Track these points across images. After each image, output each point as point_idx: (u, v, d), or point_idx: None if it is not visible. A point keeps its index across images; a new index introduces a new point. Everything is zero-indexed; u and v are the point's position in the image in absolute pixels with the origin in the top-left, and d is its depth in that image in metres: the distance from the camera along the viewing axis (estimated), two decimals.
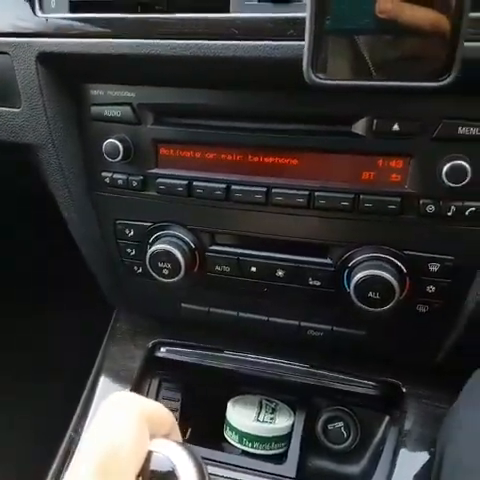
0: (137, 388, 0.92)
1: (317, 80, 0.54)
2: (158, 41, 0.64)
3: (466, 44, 0.51)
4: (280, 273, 0.76)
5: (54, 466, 0.89)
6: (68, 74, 0.74)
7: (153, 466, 0.43)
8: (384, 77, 0.54)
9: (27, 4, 0.70)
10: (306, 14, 0.51)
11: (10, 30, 0.71)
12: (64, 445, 0.90)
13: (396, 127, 0.62)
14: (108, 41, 0.67)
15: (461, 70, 0.50)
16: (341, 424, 0.87)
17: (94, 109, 0.75)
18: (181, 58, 0.64)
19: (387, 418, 0.86)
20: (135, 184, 0.76)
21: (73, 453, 0.87)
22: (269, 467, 0.81)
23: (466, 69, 0.50)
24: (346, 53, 0.54)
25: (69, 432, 0.90)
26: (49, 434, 0.94)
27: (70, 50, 0.69)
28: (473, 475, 0.50)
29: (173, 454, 0.43)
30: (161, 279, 0.78)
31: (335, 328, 0.80)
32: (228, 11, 0.62)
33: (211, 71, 0.66)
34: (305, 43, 0.52)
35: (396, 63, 0.54)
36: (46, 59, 0.71)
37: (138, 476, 0.40)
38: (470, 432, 0.55)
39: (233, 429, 0.86)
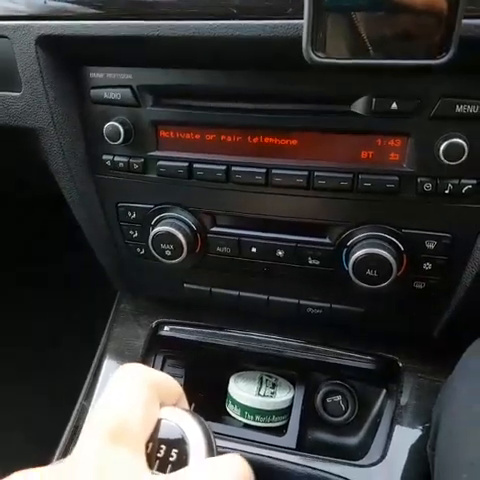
0: None
1: (317, 59, 0.54)
2: (156, 22, 0.64)
3: (464, 21, 0.51)
4: (280, 253, 0.78)
5: (63, 438, 0.92)
6: (68, 57, 0.74)
7: (162, 433, 0.44)
8: (383, 55, 0.54)
9: None
10: None
11: (9, 13, 0.71)
12: (71, 421, 0.93)
13: (394, 106, 0.63)
14: (106, 23, 0.67)
15: (459, 48, 0.51)
16: (339, 398, 0.90)
17: (94, 92, 0.75)
18: (180, 39, 0.64)
19: (384, 392, 0.89)
20: (136, 167, 0.77)
21: (81, 427, 0.90)
22: (270, 439, 0.84)
23: (464, 47, 0.51)
24: (345, 31, 0.54)
25: (73, 415, 0.93)
26: (58, 409, 0.97)
27: (69, 32, 0.69)
28: (467, 441, 0.53)
29: (182, 422, 0.45)
30: (164, 260, 0.80)
31: (334, 306, 0.82)
32: None
33: (210, 51, 0.66)
34: (304, 21, 0.53)
35: (394, 41, 0.54)
36: (45, 42, 0.71)
37: (148, 443, 0.42)
38: (464, 402, 0.58)
39: (235, 403, 0.89)
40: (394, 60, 0.54)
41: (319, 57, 0.54)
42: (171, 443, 0.45)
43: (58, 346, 1.15)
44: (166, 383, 0.44)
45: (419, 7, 0.52)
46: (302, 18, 0.52)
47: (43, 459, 0.96)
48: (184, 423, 0.45)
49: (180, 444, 0.45)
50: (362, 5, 0.53)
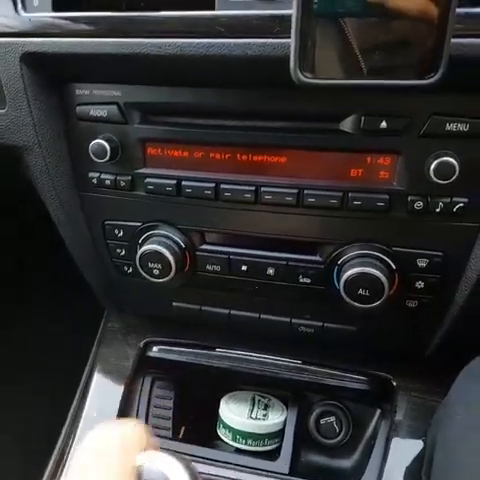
0: (130, 387, 0.92)
1: (305, 79, 0.53)
2: (143, 40, 0.63)
3: (453, 40, 0.51)
4: (271, 271, 0.77)
5: (47, 470, 0.89)
6: (53, 74, 0.73)
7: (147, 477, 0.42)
8: (371, 76, 0.54)
9: (10, 3, 0.68)
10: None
11: None
12: (56, 452, 0.90)
13: (384, 124, 0.62)
14: (92, 40, 0.66)
15: (448, 67, 0.50)
16: (333, 419, 0.88)
17: (80, 109, 0.74)
18: (166, 57, 0.63)
19: (378, 412, 0.87)
20: (123, 184, 0.76)
21: (67, 457, 0.87)
22: (263, 464, 0.82)
23: (453, 66, 0.50)
24: (333, 52, 0.54)
25: (61, 438, 0.90)
26: (42, 436, 0.94)
27: (54, 50, 0.67)
28: (462, 474, 0.51)
29: (167, 467, 0.43)
30: (152, 279, 0.78)
31: (326, 324, 0.80)
32: (213, 8, 0.61)
33: (197, 69, 0.65)
34: (291, 41, 0.52)
35: (383, 62, 0.54)
36: (30, 59, 0.70)
37: None
38: (458, 431, 0.56)
39: (226, 427, 0.87)
40: (383, 81, 0.53)
41: (307, 77, 0.53)
42: None
43: (42, 368, 1.12)
44: (138, 440, 0.43)
45: (407, 28, 0.52)
46: (290, 37, 0.52)
47: None
48: (169, 469, 0.43)
49: None
50: (352, 16, 0.52)
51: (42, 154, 0.76)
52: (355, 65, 0.55)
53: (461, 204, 0.64)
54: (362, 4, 0.51)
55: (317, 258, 0.74)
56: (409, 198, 0.66)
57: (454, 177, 0.60)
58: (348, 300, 0.70)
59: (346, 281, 0.69)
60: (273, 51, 0.59)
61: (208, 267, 0.79)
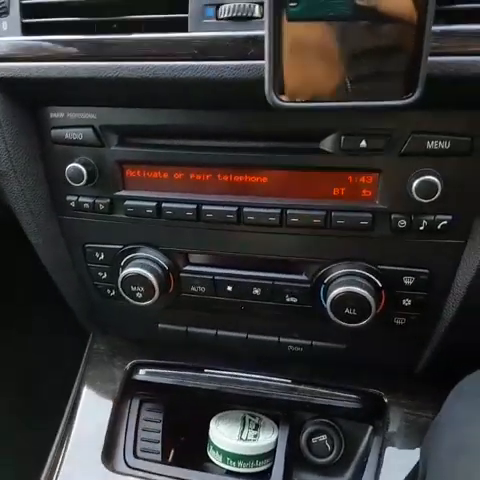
0: (117, 411, 0.90)
1: (280, 103, 0.52)
2: (115, 63, 0.62)
3: (430, 59, 0.50)
4: (256, 291, 0.75)
5: None
6: (25, 98, 0.71)
7: None
8: (348, 97, 0.52)
9: None
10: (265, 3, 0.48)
11: None
12: (45, 474, 0.88)
13: (364, 143, 0.61)
14: (63, 64, 0.64)
15: (426, 86, 0.49)
16: (325, 437, 0.87)
17: (54, 132, 0.72)
18: (140, 80, 0.61)
19: (370, 428, 0.86)
20: (102, 207, 0.74)
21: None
22: None
23: (431, 85, 0.49)
24: (308, 74, 0.52)
25: (48, 464, 0.88)
26: (28, 462, 0.92)
27: (24, 74, 0.66)
28: None
29: None
30: (135, 302, 0.77)
31: (314, 343, 0.79)
32: (186, 30, 0.60)
33: (173, 92, 0.63)
34: (265, 63, 0.51)
35: (359, 83, 0.52)
36: (1, 84, 0.68)
37: None
38: (449, 455, 0.55)
39: (216, 449, 0.85)
40: (360, 102, 0.52)
41: (282, 101, 0.52)
42: None
43: (28, 389, 1.10)
44: None
45: (384, 48, 0.50)
46: (264, 59, 0.50)
47: None
48: None
49: None
50: (326, 41, 0.51)
51: (17, 179, 0.74)
52: (331, 87, 0.53)
53: (445, 222, 0.63)
54: (347, 7, 0.49)
55: (303, 277, 0.73)
56: (392, 216, 0.64)
57: (436, 195, 0.59)
58: (335, 319, 0.69)
59: (333, 300, 0.68)
60: (248, 73, 0.57)
61: (193, 288, 0.78)
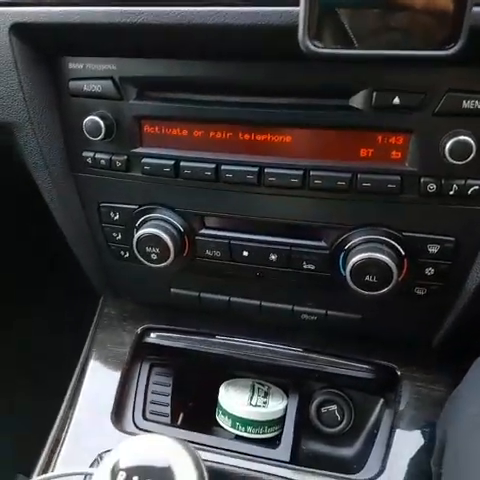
0: (127, 374, 0.90)
1: (314, 49, 0.49)
2: (139, 8, 0.59)
3: (475, 9, 0.47)
4: (273, 257, 0.73)
5: (42, 456, 0.87)
6: (44, 46, 0.69)
7: (149, 463, 0.42)
8: (387, 46, 0.50)
9: None
10: None
11: None
12: (50, 440, 0.88)
13: (397, 100, 0.59)
14: (85, 9, 0.61)
15: (469, 38, 0.46)
16: (335, 407, 0.86)
17: (73, 84, 0.70)
18: (166, 27, 0.59)
19: (381, 401, 0.85)
20: (119, 164, 0.72)
21: (62, 441, 0.85)
22: (263, 451, 0.80)
23: (474, 37, 0.46)
24: (346, 20, 0.49)
25: (55, 426, 0.88)
26: (36, 423, 0.92)
27: (45, 20, 0.63)
28: (475, 453, 0.49)
29: (169, 451, 0.42)
30: (149, 264, 0.75)
31: (329, 312, 0.78)
32: None
33: (198, 40, 0.61)
34: (300, 8, 0.48)
35: (400, 31, 0.50)
36: (20, 30, 0.65)
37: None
38: (473, 422, 0.54)
39: (226, 413, 0.85)
40: (399, 51, 0.50)
41: (317, 47, 0.49)
42: (157, 473, 0.42)
43: (39, 354, 1.10)
44: None
45: None
46: (298, 5, 0.48)
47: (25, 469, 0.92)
48: (171, 452, 0.42)
49: (167, 474, 0.42)
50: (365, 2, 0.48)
51: (33, 131, 0.72)
52: (368, 34, 0.51)
53: (476, 186, 0.61)
54: None
55: (322, 244, 0.71)
56: (422, 180, 0.62)
57: (470, 157, 0.57)
58: (354, 287, 0.68)
59: (352, 267, 0.66)
60: (280, 19, 0.55)
61: (208, 252, 0.76)
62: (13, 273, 1.13)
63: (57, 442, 0.88)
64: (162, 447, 0.43)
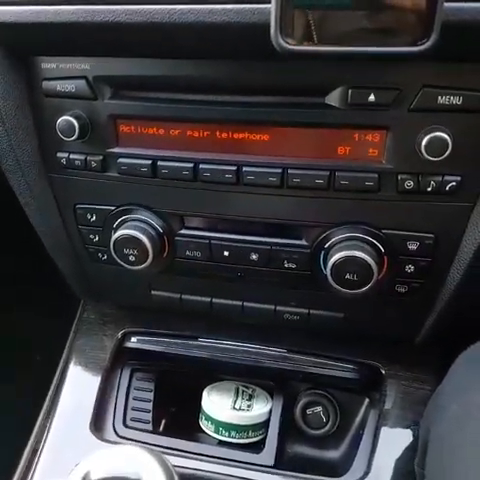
0: (107, 380, 0.88)
1: (286, 46, 0.49)
2: (111, 7, 0.58)
3: (446, 5, 0.47)
4: (254, 256, 0.73)
5: (20, 465, 0.85)
6: (16, 46, 0.67)
7: (119, 474, 0.40)
8: (360, 43, 0.49)
9: None
10: None
11: None
12: (28, 449, 0.86)
13: (372, 97, 0.58)
14: (56, 8, 0.60)
15: (441, 34, 0.46)
16: (320, 408, 0.85)
17: (46, 84, 0.68)
18: (138, 25, 0.58)
19: (366, 401, 0.85)
20: (94, 165, 0.71)
21: (40, 451, 0.83)
22: (246, 456, 0.79)
23: (446, 32, 0.46)
24: (318, 16, 0.49)
25: (34, 433, 0.86)
26: (17, 429, 0.89)
27: (16, 19, 0.61)
28: (460, 466, 0.48)
29: (140, 462, 0.40)
30: (128, 266, 0.74)
31: (312, 311, 0.77)
32: None
33: (171, 39, 0.60)
34: (272, 6, 0.47)
35: (373, 27, 0.49)
36: None
37: None
38: (454, 421, 0.53)
39: (209, 418, 0.83)
40: (373, 47, 0.49)
41: (289, 44, 0.49)
42: None
43: (16, 359, 1.07)
44: None
45: None
46: (269, 2, 0.47)
47: None
48: (143, 463, 0.40)
49: None
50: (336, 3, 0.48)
51: (6, 133, 0.70)
52: (341, 31, 0.50)
53: (453, 183, 0.61)
54: None
55: (303, 242, 0.71)
56: (399, 177, 0.62)
57: (447, 153, 0.57)
58: (335, 285, 0.67)
59: (333, 265, 0.66)
60: (252, 17, 0.54)
61: (188, 253, 0.75)
62: None
63: (35, 452, 0.86)
64: (133, 458, 0.42)
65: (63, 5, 0.60)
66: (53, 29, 0.62)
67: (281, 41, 0.49)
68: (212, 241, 0.73)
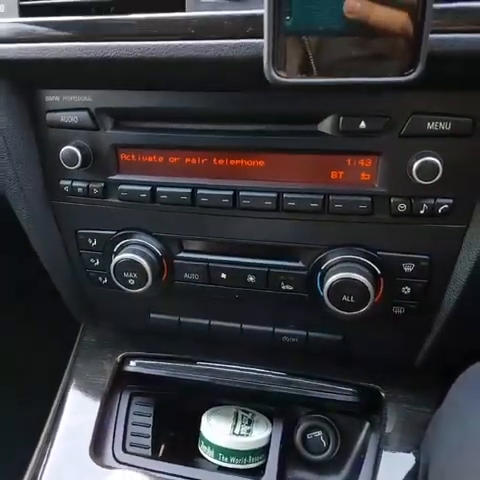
0: (106, 405, 0.88)
1: (279, 79, 0.51)
2: (112, 43, 0.61)
3: (431, 36, 0.49)
4: (251, 279, 0.74)
5: None
6: (21, 81, 0.70)
7: None
8: (349, 74, 0.52)
9: None
10: (264, 13, 0.48)
11: None
12: (30, 468, 0.85)
13: (363, 125, 0.60)
14: (60, 45, 0.63)
15: (427, 64, 0.48)
16: (320, 433, 0.84)
17: (50, 116, 0.71)
18: (137, 60, 0.60)
19: (367, 424, 0.84)
20: (96, 191, 0.73)
21: (40, 477, 0.82)
22: None
23: (432, 62, 0.48)
24: (308, 50, 0.51)
25: (34, 459, 0.85)
26: (17, 454, 0.89)
27: (22, 56, 0.64)
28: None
29: None
30: (127, 289, 0.75)
31: (310, 334, 0.77)
32: (184, 10, 0.59)
33: (169, 73, 0.62)
34: (264, 41, 0.50)
35: (361, 59, 0.51)
36: None
37: None
38: (455, 446, 0.53)
39: (208, 444, 0.83)
40: (361, 78, 0.51)
41: (281, 76, 0.51)
42: None
43: (15, 383, 1.07)
44: None
45: (384, 25, 0.50)
46: (262, 37, 0.49)
47: None
48: None
49: None
50: (328, 29, 0.50)
51: (11, 163, 0.73)
52: (331, 63, 0.53)
53: (446, 205, 0.62)
54: (336, 19, 0.49)
55: (299, 264, 0.72)
56: (392, 200, 0.63)
57: (437, 177, 0.58)
58: (332, 307, 0.68)
59: (330, 287, 0.67)
60: (246, 51, 0.56)
61: (186, 276, 0.76)
62: None
63: (35, 477, 0.85)
64: None
65: (65, 42, 0.63)
66: (58, 64, 0.65)
67: (274, 74, 0.51)
68: (210, 264, 0.74)
